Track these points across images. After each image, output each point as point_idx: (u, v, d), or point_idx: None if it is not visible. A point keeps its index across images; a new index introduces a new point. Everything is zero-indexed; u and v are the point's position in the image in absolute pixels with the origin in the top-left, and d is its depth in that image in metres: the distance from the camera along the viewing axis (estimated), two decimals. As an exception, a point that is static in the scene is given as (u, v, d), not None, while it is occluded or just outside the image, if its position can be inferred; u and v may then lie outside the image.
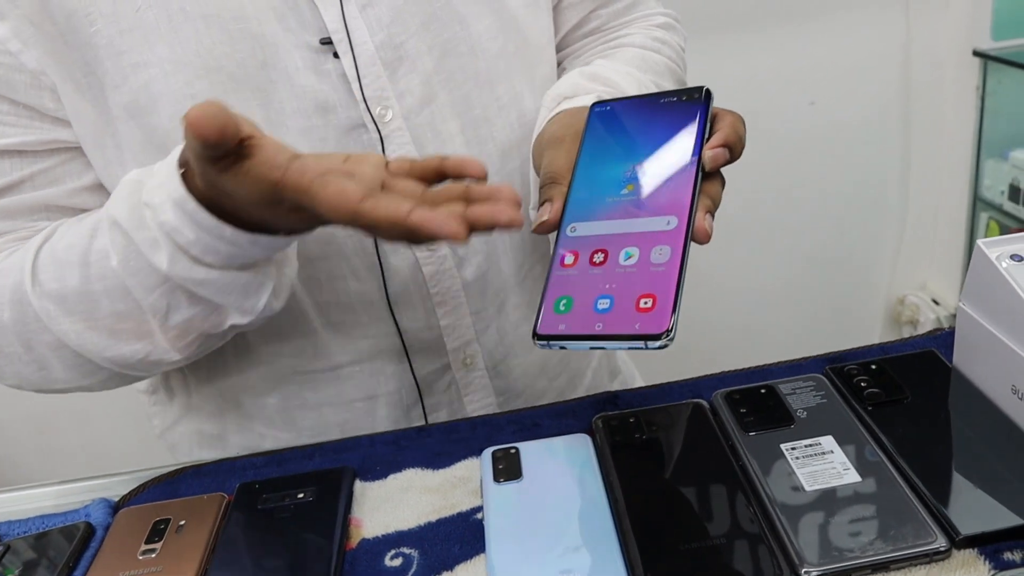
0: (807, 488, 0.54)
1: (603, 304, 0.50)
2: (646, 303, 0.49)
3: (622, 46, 0.78)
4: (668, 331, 0.47)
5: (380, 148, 0.67)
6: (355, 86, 0.65)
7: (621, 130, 0.58)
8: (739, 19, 1.63)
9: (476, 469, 0.63)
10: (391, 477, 0.64)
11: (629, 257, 0.51)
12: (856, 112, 1.74)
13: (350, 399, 0.77)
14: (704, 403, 0.65)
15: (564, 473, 0.60)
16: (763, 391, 0.64)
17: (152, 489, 0.66)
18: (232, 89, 0.63)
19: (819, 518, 0.52)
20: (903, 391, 0.62)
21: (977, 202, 1.74)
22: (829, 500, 0.53)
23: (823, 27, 1.66)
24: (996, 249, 0.59)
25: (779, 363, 0.70)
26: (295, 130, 0.65)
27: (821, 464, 0.56)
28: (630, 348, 0.49)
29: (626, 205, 0.54)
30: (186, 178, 0.54)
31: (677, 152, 0.55)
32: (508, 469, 0.60)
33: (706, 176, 0.54)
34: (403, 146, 0.68)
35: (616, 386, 0.92)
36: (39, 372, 0.65)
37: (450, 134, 0.69)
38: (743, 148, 0.55)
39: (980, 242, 0.60)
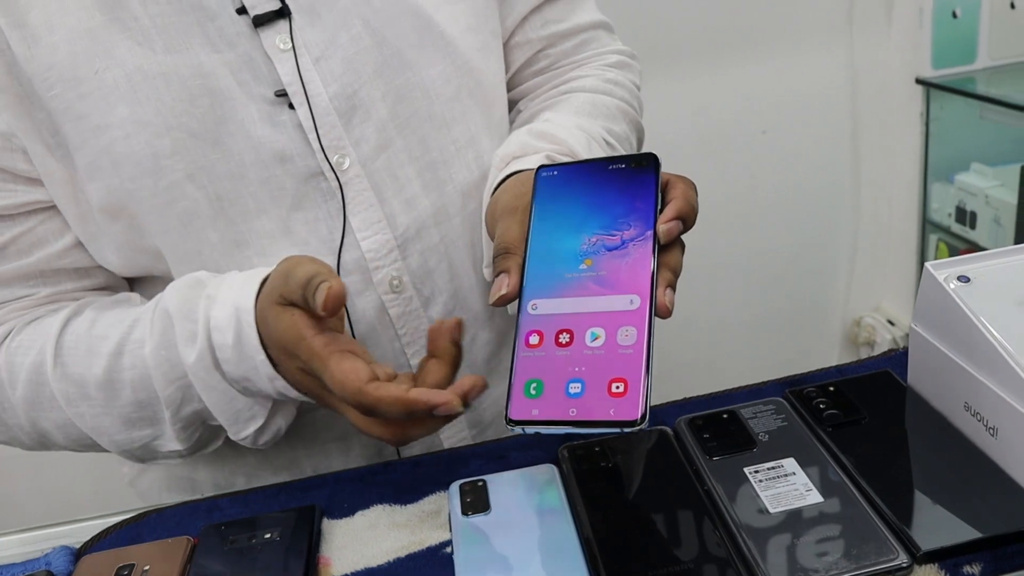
0: (771, 510, 0.55)
1: (574, 388, 0.50)
2: (618, 387, 0.49)
3: (572, 91, 0.78)
4: (643, 416, 0.48)
5: (340, 195, 0.68)
6: (312, 136, 0.67)
7: (571, 198, 0.57)
8: (692, 52, 1.66)
9: (444, 503, 0.63)
10: (359, 514, 0.63)
11: (595, 338, 0.51)
12: (806, 140, 1.79)
13: (323, 440, 0.76)
14: (668, 430, 0.65)
15: (532, 504, 0.60)
16: (725, 416, 0.65)
17: (115, 535, 0.65)
18: (192, 145, 0.64)
19: (784, 539, 0.53)
20: (860, 412, 0.64)
21: (926, 224, 1.79)
22: (793, 521, 0.54)
23: (773, 59, 1.70)
24: (944, 271, 0.61)
25: (740, 388, 0.71)
26: (255, 180, 0.66)
27: (784, 486, 0.57)
28: (603, 433, 0.49)
29: (586, 281, 0.53)
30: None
31: (632, 224, 0.54)
32: (476, 502, 0.60)
33: (665, 247, 0.54)
34: (361, 192, 0.69)
35: None
36: (37, 442, 0.68)
37: (408, 178, 0.70)
38: (696, 217, 0.55)
39: (928, 265, 0.62)
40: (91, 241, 0.68)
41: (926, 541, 0.51)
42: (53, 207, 0.67)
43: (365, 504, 0.64)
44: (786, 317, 1.93)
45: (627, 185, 0.56)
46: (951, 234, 1.72)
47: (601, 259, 0.54)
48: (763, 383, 0.71)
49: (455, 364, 0.57)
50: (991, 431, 0.57)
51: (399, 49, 0.69)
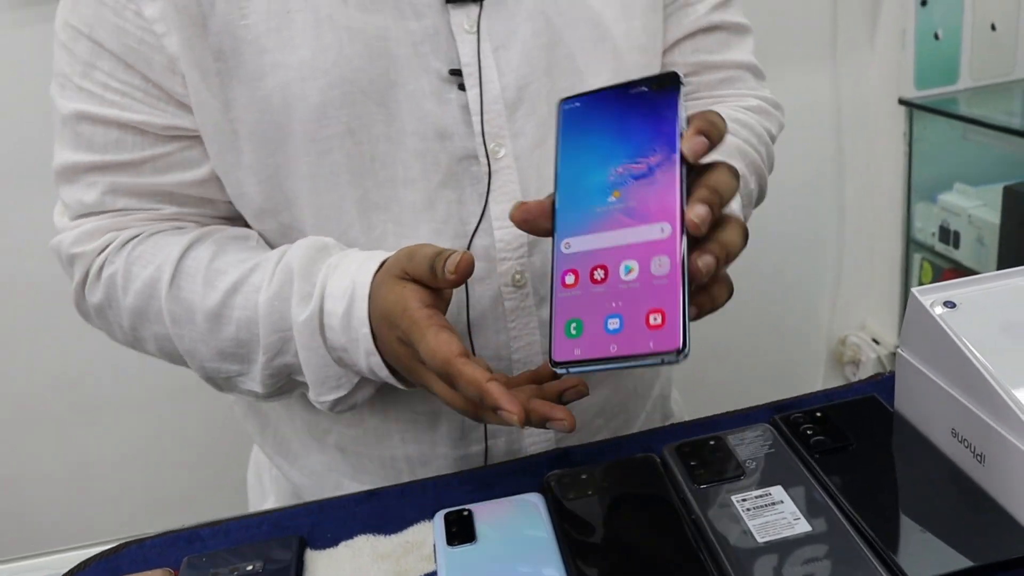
0: (759, 539, 0.55)
1: (613, 324, 0.50)
2: (655, 319, 0.49)
3: None
4: (682, 348, 0.48)
5: (487, 181, 0.69)
6: (475, 119, 0.68)
7: (595, 128, 0.55)
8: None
9: (429, 533, 0.62)
10: (342, 544, 0.63)
11: (629, 271, 0.51)
12: (791, 160, 1.79)
13: (415, 411, 0.75)
14: (654, 457, 0.65)
15: (518, 533, 0.59)
16: (712, 443, 0.65)
17: (93, 567, 0.64)
18: (360, 101, 0.66)
19: (772, 569, 0.52)
20: (848, 438, 0.63)
21: (910, 243, 1.79)
22: (781, 551, 0.54)
23: (756, 79, 1.72)
24: (930, 296, 0.61)
25: (727, 414, 0.71)
26: (411, 150, 0.68)
27: (772, 515, 0.57)
28: (647, 365, 0.49)
29: (616, 214, 0.52)
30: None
31: (657, 149, 0.53)
32: (461, 532, 0.60)
33: (708, 168, 0.53)
34: (508, 182, 0.70)
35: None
36: (129, 342, 0.73)
37: None
38: (720, 135, 0.54)
39: (914, 290, 0.62)
40: (229, 172, 0.69)
41: (915, 570, 0.51)
42: (195, 138, 0.69)
43: (349, 534, 0.63)
44: (772, 335, 1.93)
45: (651, 109, 0.54)
46: (935, 253, 1.73)
47: (629, 189, 0.53)
48: (750, 408, 0.71)
49: (541, 393, 0.60)
50: (979, 458, 0.57)
51: (572, 52, 0.70)
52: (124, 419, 1.66)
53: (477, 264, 0.67)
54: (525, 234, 0.67)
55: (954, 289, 0.62)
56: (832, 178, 1.83)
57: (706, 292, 0.54)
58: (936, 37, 1.62)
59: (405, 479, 0.75)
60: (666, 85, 0.54)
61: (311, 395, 0.67)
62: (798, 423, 0.66)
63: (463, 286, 0.69)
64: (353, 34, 0.65)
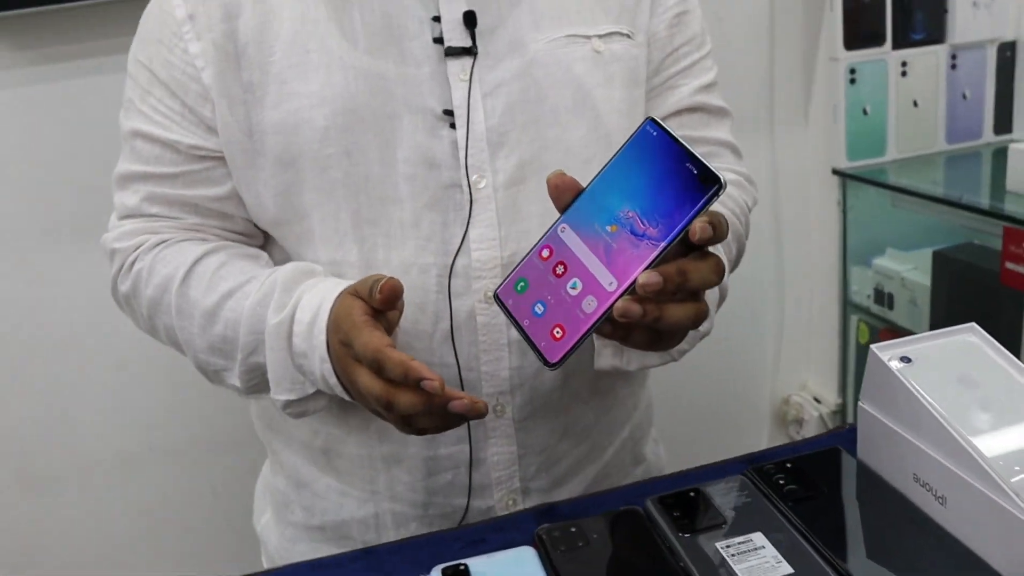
0: (745, 583, 0.58)
1: (538, 309, 0.61)
2: (558, 333, 0.60)
3: None
4: (555, 364, 0.60)
5: (468, 208, 0.77)
6: (461, 154, 0.77)
7: (645, 167, 0.60)
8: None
9: (426, 588, 0.64)
10: (341, 603, 0.64)
11: (573, 287, 0.60)
12: (733, 226, 1.88)
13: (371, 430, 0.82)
14: (639, 509, 0.68)
15: (514, 586, 0.62)
16: (692, 494, 0.69)
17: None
18: (360, 129, 0.76)
19: (759, 610, 0.56)
20: (818, 486, 0.68)
21: (847, 305, 1.88)
22: (766, 593, 0.57)
23: (698, 150, 1.80)
24: (887, 352, 0.67)
25: (702, 467, 0.75)
26: (402, 174, 0.77)
27: (755, 559, 0.60)
28: (532, 352, 0.59)
29: (602, 241, 0.60)
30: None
31: (659, 225, 0.59)
32: (460, 586, 0.62)
33: (702, 253, 0.61)
34: (487, 211, 0.78)
35: (640, 474, 0.95)
36: (148, 330, 0.85)
37: (528, 215, 0.79)
38: (723, 235, 0.60)
39: (873, 347, 0.67)
40: (249, 185, 0.79)
41: (890, 606, 0.55)
42: (219, 159, 0.80)
43: (347, 592, 0.65)
44: (716, 396, 1.98)
45: (685, 189, 0.59)
46: (871, 314, 1.81)
47: (621, 234, 0.60)
48: (723, 461, 0.75)
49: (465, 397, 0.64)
50: (940, 500, 0.62)
51: (555, 108, 0.79)
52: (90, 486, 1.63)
53: (458, 280, 0.77)
54: (500, 256, 0.77)
55: (908, 345, 0.67)
56: (771, 243, 1.91)
57: (627, 332, 0.63)
58: (865, 112, 1.72)
59: (381, 479, 0.82)
60: (709, 183, 0.58)
61: (272, 392, 0.75)
62: (770, 474, 0.70)
63: (447, 300, 0.78)
64: (359, 73, 0.76)
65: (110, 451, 1.61)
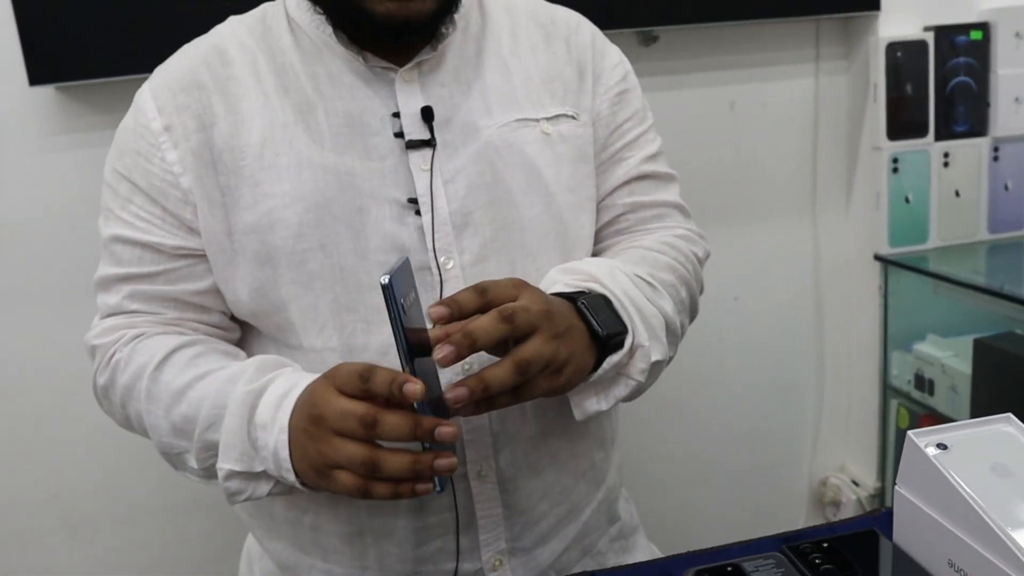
0: (781, 658, 0.60)
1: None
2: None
3: (632, 247, 0.91)
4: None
5: (439, 288, 0.82)
6: (428, 238, 0.82)
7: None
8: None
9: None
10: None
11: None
12: (774, 308, 1.90)
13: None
14: (677, 581, 0.70)
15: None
16: (730, 568, 0.71)
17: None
18: (331, 223, 0.80)
19: None
20: (853, 568, 0.70)
21: (887, 390, 1.88)
22: (801, 668, 0.59)
23: (744, 234, 1.83)
24: (924, 439, 0.69)
25: (739, 543, 0.77)
26: (374, 262, 0.81)
27: (791, 635, 0.62)
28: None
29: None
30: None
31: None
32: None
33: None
34: (456, 289, 0.79)
35: (615, 533, 0.99)
36: (122, 422, 0.86)
37: None
38: (464, 310, 0.69)
39: (910, 433, 0.69)
40: (227, 282, 0.83)
41: None
42: (200, 256, 0.84)
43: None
44: (754, 475, 1.98)
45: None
46: (911, 400, 1.81)
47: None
48: (760, 538, 0.77)
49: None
50: (974, 586, 0.63)
51: (510, 189, 0.85)
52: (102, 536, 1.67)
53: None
54: None
55: (944, 433, 0.69)
56: (812, 326, 1.93)
57: (491, 402, 0.69)
58: (907, 200, 1.76)
59: (371, 554, 0.85)
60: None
61: (218, 460, 0.76)
62: (806, 552, 0.72)
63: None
64: (327, 171, 0.81)
65: (159, 497, 1.65)
